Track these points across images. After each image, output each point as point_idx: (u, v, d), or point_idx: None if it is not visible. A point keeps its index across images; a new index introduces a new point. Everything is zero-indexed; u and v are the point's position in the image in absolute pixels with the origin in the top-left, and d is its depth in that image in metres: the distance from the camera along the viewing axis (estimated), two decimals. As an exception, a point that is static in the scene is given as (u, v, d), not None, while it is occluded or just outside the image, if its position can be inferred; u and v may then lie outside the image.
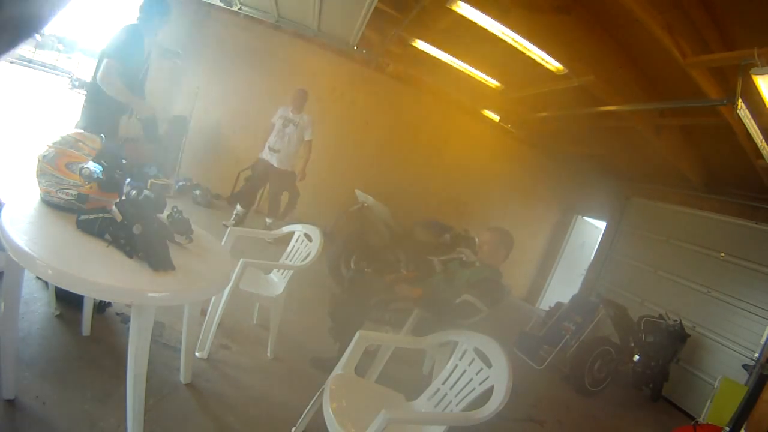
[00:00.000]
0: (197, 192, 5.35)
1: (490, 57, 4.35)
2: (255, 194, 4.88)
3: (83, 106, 2.55)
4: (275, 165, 4.57)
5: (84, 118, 2.51)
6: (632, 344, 4.23)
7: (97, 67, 2.39)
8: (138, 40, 2.46)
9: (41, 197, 1.50)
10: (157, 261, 1.36)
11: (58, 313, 2.05)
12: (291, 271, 2.50)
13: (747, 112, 2.88)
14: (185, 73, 5.55)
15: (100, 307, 2.18)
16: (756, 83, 2.65)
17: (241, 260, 2.20)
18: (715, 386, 3.28)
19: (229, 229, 2.53)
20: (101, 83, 2.33)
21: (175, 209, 1.75)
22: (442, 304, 2.34)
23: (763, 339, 4.08)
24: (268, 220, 4.77)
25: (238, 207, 4.67)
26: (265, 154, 4.61)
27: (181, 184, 5.36)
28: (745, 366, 3.67)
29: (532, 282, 7.72)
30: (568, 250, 7.72)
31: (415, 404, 1.81)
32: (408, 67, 5.58)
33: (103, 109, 2.44)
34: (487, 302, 2.30)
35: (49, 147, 1.49)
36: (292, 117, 4.57)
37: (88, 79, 2.67)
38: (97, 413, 1.58)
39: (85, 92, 2.63)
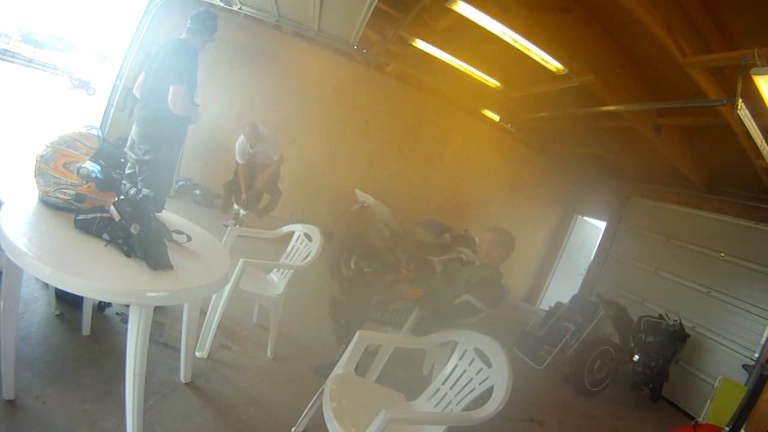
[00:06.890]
0: (197, 192, 5.36)
1: (490, 57, 4.35)
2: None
3: (141, 126, 2.43)
4: (258, 162, 4.62)
5: (145, 138, 2.42)
6: (632, 344, 4.22)
7: (155, 87, 2.35)
8: (195, 58, 2.40)
9: (39, 197, 1.50)
10: (156, 260, 1.36)
11: (58, 312, 2.04)
12: (291, 271, 2.50)
13: (747, 112, 2.88)
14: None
15: (101, 306, 2.18)
16: (756, 83, 2.65)
17: (241, 260, 2.20)
18: (715, 386, 3.27)
19: (228, 228, 2.52)
20: (177, 111, 2.30)
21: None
22: (442, 304, 2.34)
23: (763, 339, 4.08)
24: (242, 212, 4.69)
25: (235, 206, 4.68)
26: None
27: (181, 183, 5.36)
28: (745, 366, 3.67)
29: (532, 282, 7.72)
30: (568, 250, 7.72)
31: (415, 404, 1.81)
32: (408, 67, 5.57)
33: (168, 127, 2.41)
34: (487, 302, 2.30)
35: (47, 147, 1.49)
36: (252, 151, 4.58)
37: (129, 92, 2.56)
38: (97, 413, 1.58)
39: (141, 110, 2.47)
